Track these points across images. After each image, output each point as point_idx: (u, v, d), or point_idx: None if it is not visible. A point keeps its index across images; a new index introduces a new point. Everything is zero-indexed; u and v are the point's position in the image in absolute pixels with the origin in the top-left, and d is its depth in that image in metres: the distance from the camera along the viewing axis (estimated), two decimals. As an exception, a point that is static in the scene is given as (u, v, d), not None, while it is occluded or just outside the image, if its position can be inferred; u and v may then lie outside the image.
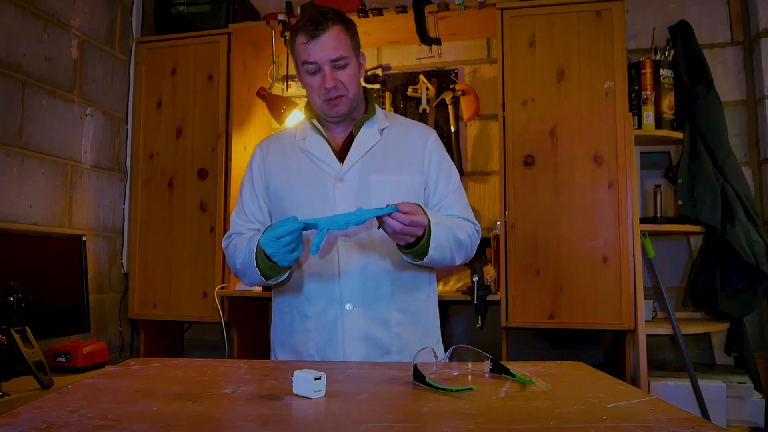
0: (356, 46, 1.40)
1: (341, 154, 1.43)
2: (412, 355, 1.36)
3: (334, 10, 1.36)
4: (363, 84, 1.48)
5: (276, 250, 1.22)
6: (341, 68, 1.35)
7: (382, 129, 1.46)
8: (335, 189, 1.38)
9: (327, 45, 1.32)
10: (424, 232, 1.25)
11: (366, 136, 1.43)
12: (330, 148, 1.43)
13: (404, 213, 1.19)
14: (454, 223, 1.37)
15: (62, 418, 0.77)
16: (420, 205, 1.26)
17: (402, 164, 1.43)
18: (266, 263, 1.28)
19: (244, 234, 1.45)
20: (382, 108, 2.79)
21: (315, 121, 1.44)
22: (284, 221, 1.22)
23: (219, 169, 2.57)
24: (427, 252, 1.27)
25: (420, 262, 1.31)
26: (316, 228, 1.18)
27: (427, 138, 1.49)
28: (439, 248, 1.29)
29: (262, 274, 1.31)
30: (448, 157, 1.51)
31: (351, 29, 1.38)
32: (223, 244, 1.51)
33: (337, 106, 1.38)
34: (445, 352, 1.11)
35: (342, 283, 1.36)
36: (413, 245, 1.27)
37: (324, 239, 1.19)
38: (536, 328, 2.34)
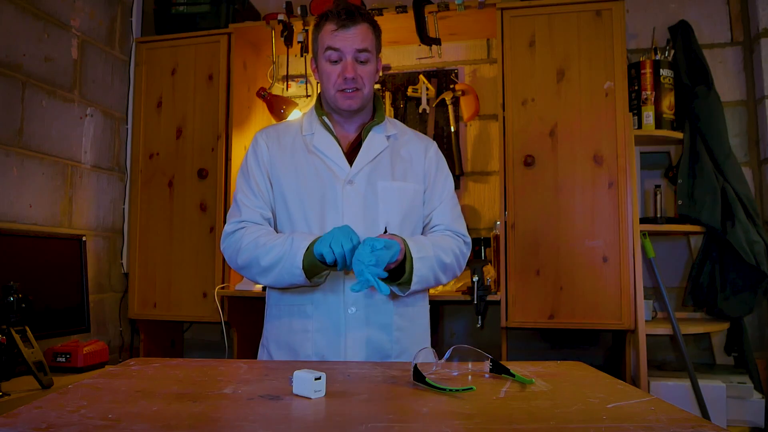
0: (378, 48, 1.43)
1: (349, 156, 1.43)
2: (410, 358, 1.38)
3: (366, 10, 1.41)
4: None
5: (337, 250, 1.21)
6: (363, 62, 1.37)
7: (389, 136, 1.47)
8: (344, 191, 1.38)
9: (355, 36, 1.35)
10: (405, 266, 1.30)
11: (374, 141, 1.44)
12: (340, 149, 1.42)
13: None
14: (439, 248, 1.39)
15: (62, 418, 0.77)
16: (402, 237, 1.31)
17: (406, 171, 1.45)
18: (311, 260, 1.26)
19: (261, 225, 1.40)
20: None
21: (326, 119, 1.44)
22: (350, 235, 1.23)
23: (219, 169, 2.56)
24: (409, 286, 1.32)
25: (404, 293, 1.35)
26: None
27: (429, 148, 1.52)
28: (421, 281, 1.34)
29: (304, 270, 1.28)
30: (447, 166, 1.55)
31: (377, 31, 1.42)
32: (230, 228, 1.40)
33: (351, 99, 1.38)
34: (444, 352, 1.11)
35: (346, 288, 1.36)
36: (398, 277, 1.31)
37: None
38: (536, 328, 2.34)
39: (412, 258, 1.30)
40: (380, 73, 1.49)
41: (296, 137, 1.46)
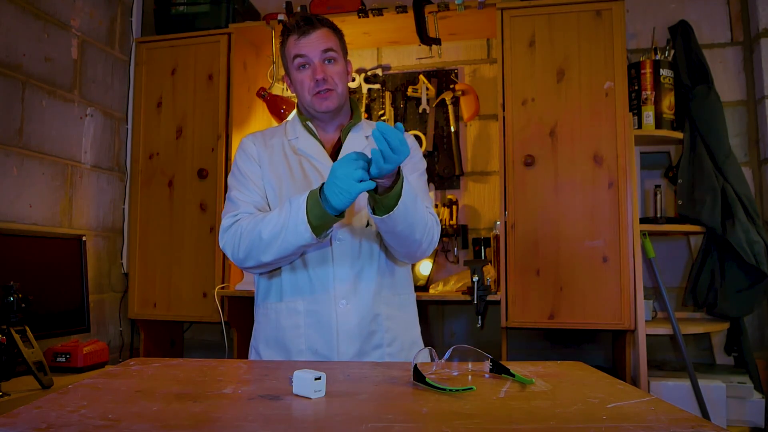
0: (344, 49, 1.49)
1: (332, 156, 1.48)
2: (402, 346, 1.43)
3: (324, 17, 1.48)
4: (348, 93, 1.53)
5: (346, 173, 1.17)
6: (330, 62, 1.42)
7: (367, 136, 1.52)
8: None
9: (318, 39, 1.42)
10: (397, 184, 1.24)
11: (354, 141, 1.49)
12: (323, 149, 1.48)
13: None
14: (420, 202, 1.35)
15: (62, 418, 0.77)
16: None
17: None
18: (317, 211, 1.22)
19: (254, 213, 1.40)
20: (381, 109, 2.81)
21: (309, 123, 1.51)
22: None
23: (219, 169, 2.56)
24: (397, 202, 1.23)
25: (389, 215, 1.25)
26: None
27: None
28: (407, 206, 1.26)
29: (310, 223, 1.24)
30: (420, 150, 1.59)
31: (339, 34, 1.48)
32: (227, 222, 1.40)
33: (327, 100, 1.43)
34: (444, 352, 1.11)
35: (336, 282, 1.39)
36: (388, 190, 1.24)
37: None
38: (536, 328, 2.34)
39: (402, 178, 1.25)
40: (352, 76, 1.58)
41: (282, 140, 1.52)
